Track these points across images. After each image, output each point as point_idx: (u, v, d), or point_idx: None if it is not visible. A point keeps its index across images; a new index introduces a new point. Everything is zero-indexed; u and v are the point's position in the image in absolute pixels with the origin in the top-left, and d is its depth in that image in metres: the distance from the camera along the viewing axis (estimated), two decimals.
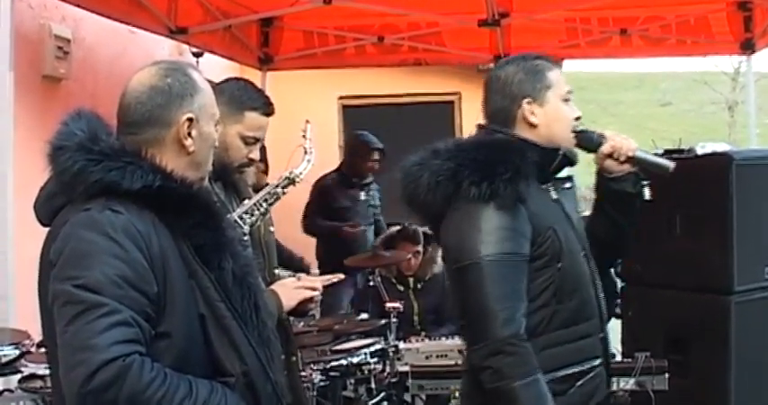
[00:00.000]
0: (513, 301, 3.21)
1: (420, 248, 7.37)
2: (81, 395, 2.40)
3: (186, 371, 2.58)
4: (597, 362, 3.44)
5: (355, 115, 11.59)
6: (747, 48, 8.11)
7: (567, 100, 3.48)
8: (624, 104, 37.56)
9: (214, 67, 7.94)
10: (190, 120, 2.75)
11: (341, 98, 11.51)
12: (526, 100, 3.41)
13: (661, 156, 3.79)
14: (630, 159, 3.51)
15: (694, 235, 5.39)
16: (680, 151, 5.71)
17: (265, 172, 7.04)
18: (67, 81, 6.38)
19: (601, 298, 3.51)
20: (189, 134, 2.75)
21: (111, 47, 7.16)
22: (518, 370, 3.15)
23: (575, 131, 3.48)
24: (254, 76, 8.46)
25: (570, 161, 3.52)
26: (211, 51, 7.99)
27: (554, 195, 3.47)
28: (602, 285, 3.54)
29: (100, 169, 2.57)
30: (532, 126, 3.42)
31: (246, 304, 2.74)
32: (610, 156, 3.51)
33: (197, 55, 8.18)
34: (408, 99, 11.39)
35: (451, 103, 11.47)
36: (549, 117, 3.44)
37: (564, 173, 3.55)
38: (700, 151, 5.73)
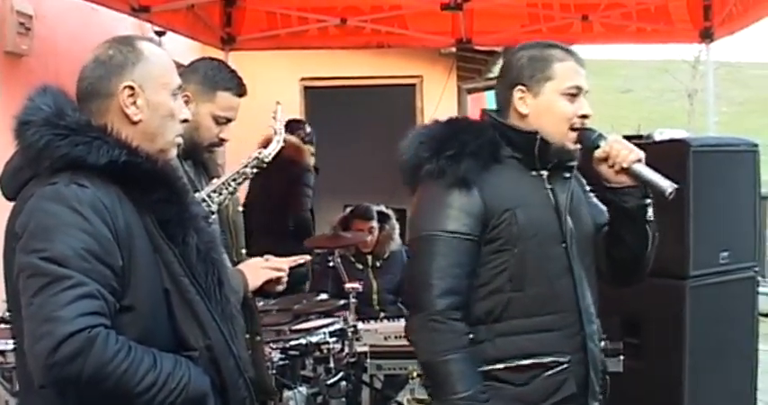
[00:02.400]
0: (451, 276, 3.22)
1: (374, 224, 7.40)
2: (46, 367, 2.41)
3: (150, 345, 2.59)
4: (565, 358, 3.30)
5: (317, 97, 11.62)
6: (706, 36, 8.18)
7: (572, 95, 3.33)
8: None
9: (176, 47, 7.89)
10: (130, 87, 2.73)
11: (303, 79, 11.52)
12: (519, 87, 3.36)
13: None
14: (625, 171, 3.32)
15: None
16: (638, 137, 5.76)
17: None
18: (29, 58, 6.34)
19: (580, 294, 3.36)
20: (133, 103, 2.74)
21: (73, 24, 7.11)
22: (439, 346, 3.20)
23: (573, 128, 3.34)
24: (216, 56, 8.42)
25: (565, 154, 3.35)
26: (174, 30, 7.93)
27: (547, 184, 3.36)
28: (588, 283, 3.43)
29: (66, 144, 2.58)
30: (522, 115, 3.37)
31: (210, 280, 2.77)
32: (605, 160, 3.33)
33: (159, 33, 8.13)
34: (370, 81, 11.43)
35: (413, 86, 11.52)
36: (540, 108, 3.35)
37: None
38: (658, 137, 5.78)
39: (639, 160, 3.33)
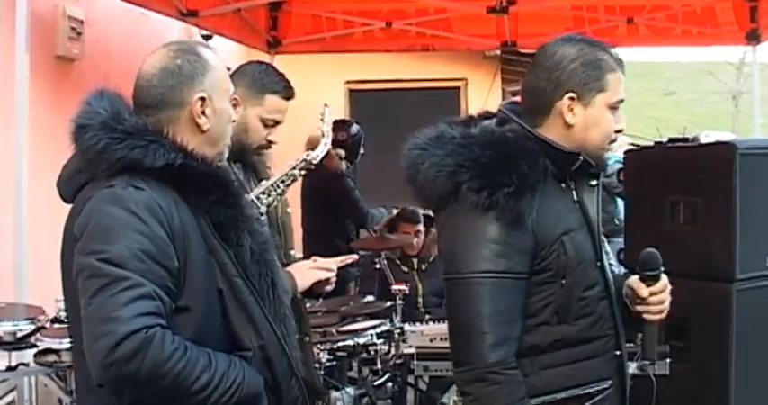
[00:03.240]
0: (504, 322, 2.95)
1: (421, 227, 7.43)
2: (104, 365, 2.46)
3: (205, 344, 2.65)
4: (607, 384, 3.17)
5: (362, 100, 11.64)
6: (753, 38, 8.16)
7: (615, 109, 3.12)
8: (628, 92, 37.01)
9: (222, 51, 7.96)
10: (202, 99, 2.81)
11: (348, 82, 11.56)
12: (570, 95, 3.05)
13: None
14: (640, 318, 3.24)
15: (697, 223, 5.41)
16: (684, 140, 5.74)
17: None
18: (80, 61, 6.43)
19: (617, 314, 3.19)
20: (203, 112, 2.82)
21: (123, 28, 7.22)
22: (499, 401, 2.94)
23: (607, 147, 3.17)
24: (262, 59, 8.51)
25: (596, 167, 3.16)
26: (220, 34, 8.04)
27: (575, 196, 3.15)
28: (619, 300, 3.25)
29: (123, 147, 2.64)
30: (567, 125, 3.09)
31: (263, 281, 2.82)
32: (643, 299, 3.20)
33: (206, 38, 8.23)
34: (415, 84, 11.44)
35: (457, 89, 11.52)
36: (589, 121, 3.09)
37: None
38: (704, 140, 5.76)
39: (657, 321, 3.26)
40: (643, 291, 3.18)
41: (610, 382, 3.17)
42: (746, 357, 5.25)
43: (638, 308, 3.21)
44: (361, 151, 8.69)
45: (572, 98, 3.05)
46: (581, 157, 3.07)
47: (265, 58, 8.69)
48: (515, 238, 2.95)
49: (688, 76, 37.07)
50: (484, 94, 10.94)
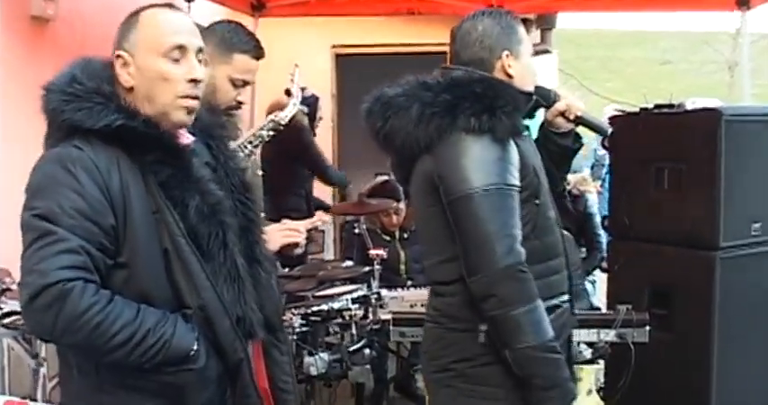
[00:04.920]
0: (513, 229, 3.34)
1: (402, 205, 7.36)
2: (25, 314, 2.64)
3: (150, 302, 2.74)
4: (565, 297, 3.67)
5: (348, 64, 11.56)
6: (743, 4, 8.06)
7: (531, 55, 3.72)
8: (623, 62, 37.47)
9: (206, 12, 7.86)
10: (119, 56, 2.88)
11: (334, 47, 11.47)
12: (505, 52, 3.61)
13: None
14: (578, 118, 3.88)
15: (682, 190, 5.37)
16: (670, 106, 5.69)
17: None
18: (55, 22, 6.31)
19: (564, 237, 3.76)
20: (127, 71, 2.88)
21: None
22: (523, 295, 3.31)
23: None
24: (246, 22, 8.35)
25: (537, 109, 3.86)
26: None
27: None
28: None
29: (70, 109, 2.76)
30: (509, 77, 3.62)
31: (213, 241, 2.87)
32: (562, 113, 3.87)
33: (188, 0, 8.11)
34: (402, 49, 11.32)
35: (445, 53, 11.39)
36: (523, 69, 3.66)
37: None
38: (689, 107, 5.71)
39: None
40: (559, 104, 3.86)
41: (567, 296, 3.69)
42: (729, 326, 5.23)
43: (571, 117, 3.88)
44: (319, 116, 8.66)
45: (507, 55, 3.61)
46: (534, 97, 3.72)
47: (250, 21, 8.60)
48: (510, 155, 3.39)
49: (684, 46, 37.00)
50: None
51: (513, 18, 3.71)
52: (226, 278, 2.87)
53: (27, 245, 2.64)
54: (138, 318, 2.67)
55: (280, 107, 4.12)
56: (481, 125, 3.34)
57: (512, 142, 3.42)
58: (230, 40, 3.88)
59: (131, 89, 2.87)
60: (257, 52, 3.96)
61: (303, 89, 8.10)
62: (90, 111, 2.74)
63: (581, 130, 4.03)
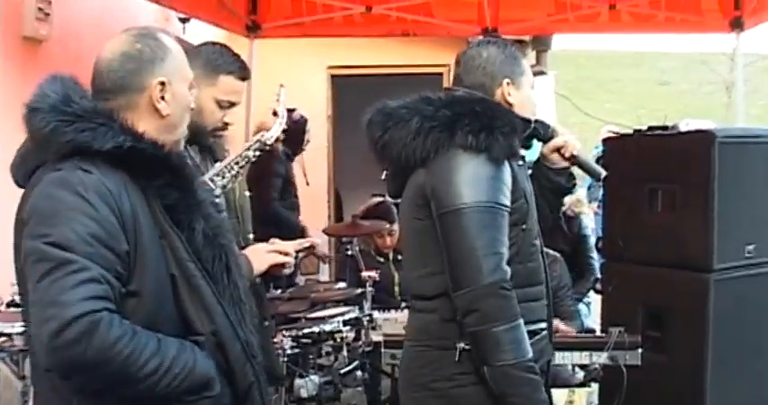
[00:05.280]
0: (500, 247, 3.37)
1: (395, 227, 7.33)
2: (50, 350, 2.45)
3: (156, 329, 2.64)
4: (543, 325, 3.67)
5: (344, 85, 11.57)
6: (736, 26, 8.08)
7: (532, 87, 3.80)
8: (622, 82, 37.56)
9: (201, 34, 7.88)
10: (162, 83, 2.80)
11: (330, 68, 11.47)
12: (507, 80, 3.67)
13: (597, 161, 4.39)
14: (573, 157, 3.91)
15: (676, 212, 5.38)
16: (664, 127, 5.70)
17: None
18: (48, 43, 6.32)
19: (547, 266, 3.78)
20: (162, 98, 2.80)
21: (95, 10, 7.10)
22: (506, 313, 3.32)
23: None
24: (242, 43, 8.41)
25: (534, 139, 3.88)
26: (197, 17, 7.91)
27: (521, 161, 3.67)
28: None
29: (72, 130, 2.63)
30: (509, 104, 3.66)
31: (217, 265, 2.81)
32: (558, 149, 3.90)
33: (184, 20, 8.13)
34: (398, 70, 11.35)
35: (440, 75, 11.43)
36: (523, 99, 3.72)
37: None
38: (683, 128, 5.72)
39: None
40: (557, 140, 3.90)
41: (545, 324, 3.70)
42: (722, 348, 5.23)
43: (566, 154, 3.90)
44: (307, 139, 8.67)
45: (508, 83, 3.68)
46: (532, 125, 3.76)
47: (245, 42, 8.60)
48: (504, 175, 3.44)
49: (682, 67, 37.08)
50: None
51: (517, 50, 3.80)
52: (230, 302, 2.84)
53: (41, 275, 2.50)
54: (161, 348, 2.60)
55: (266, 128, 4.12)
56: (478, 143, 3.38)
57: (506, 163, 3.46)
58: (215, 61, 3.87)
59: (165, 117, 2.82)
60: (243, 73, 3.95)
61: (292, 110, 8.13)
62: (94, 131, 2.64)
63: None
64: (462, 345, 3.40)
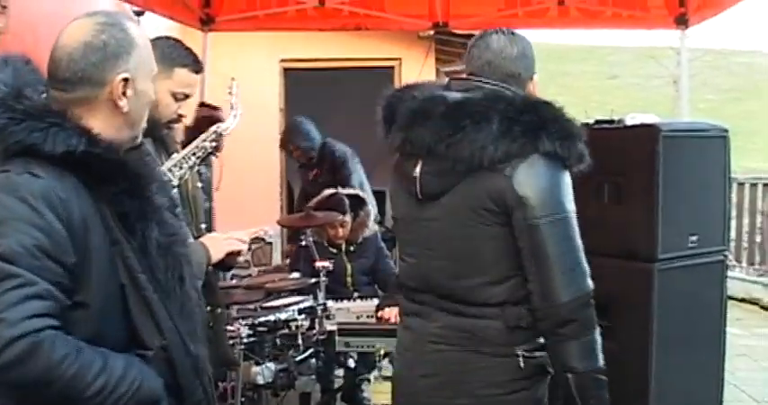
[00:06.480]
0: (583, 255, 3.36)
1: (347, 218, 7.42)
2: None
3: (103, 342, 2.54)
4: None
5: (297, 78, 11.64)
6: (681, 23, 8.22)
7: None
8: (571, 76, 37.80)
9: (155, 27, 7.90)
10: (125, 80, 2.67)
11: (283, 61, 11.52)
12: (534, 76, 3.64)
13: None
14: None
15: (621, 204, 5.47)
16: (610, 121, 5.79)
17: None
18: (5, 36, 6.32)
19: None
20: (123, 94, 2.67)
21: (52, 3, 7.10)
22: (595, 320, 3.37)
23: None
24: (195, 36, 8.45)
25: None
26: (152, 10, 7.93)
27: None
28: None
29: (21, 130, 2.49)
30: None
31: (170, 275, 2.71)
32: None
33: (138, 13, 8.14)
34: (350, 64, 11.45)
35: (392, 68, 11.53)
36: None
37: None
38: (629, 122, 5.81)
39: None
40: None
41: None
42: (668, 337, 5.32)
43: None
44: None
45: (531, 78, 3.62)
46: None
47: (199, 35, 8.63)
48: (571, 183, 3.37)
49: (631, 61, 37.35)
50: (417, 74, 10.95)
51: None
52: (181, 314, 2.73)
53: None
54: (107, 366, 2.48)
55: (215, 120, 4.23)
56: (561, 150, 3.29)
57: None
58: (170, 54, 3.95)
59: (124, 113, 2.69)
60: (197, 66, 4.05)
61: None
62: (45, 132, 2.49)
63: None
64: (523, 352, 3.38)
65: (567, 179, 3.34)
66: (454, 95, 3.42)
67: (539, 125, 3.28)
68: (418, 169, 3.46)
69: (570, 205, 3.33)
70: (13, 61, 2.70)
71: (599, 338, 3.37)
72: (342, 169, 8.74)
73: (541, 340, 3.40)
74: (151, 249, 2.65)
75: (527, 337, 3.40)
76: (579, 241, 3.34)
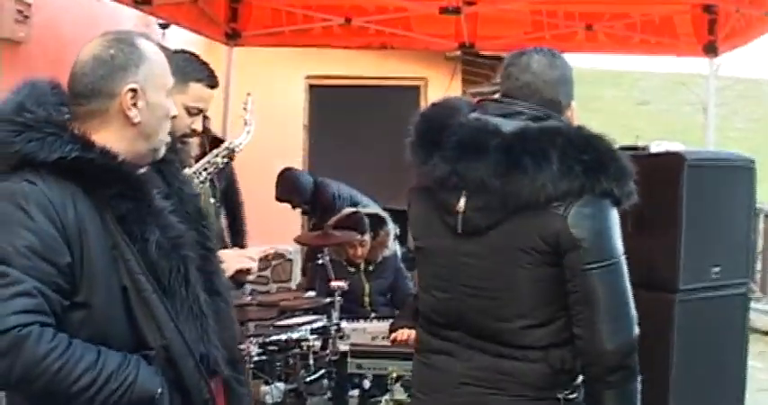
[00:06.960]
0: None
1: (367, 237, 7.36)
2: None
3: (109, 343, 2.62)
4: None
5: (322, 95, 11.60)
6: (710, 50, 8.14)
7: None
8: (602, 100, 37.67)
9: (180, 41, 7.89)
10: (133, 90, 2.76)
11: (308, 77, 11.49)
12: (573, 103, 3.47)
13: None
14: None
15: (644, 232, 5.40)
16: (634, 148, 5.73)
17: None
18: (27, 45, 6.33)
19: None
20: (134, 105, 2.77)
21: (76, 14, 7.12)
22: (638, 368, 3.27)
23: None
24: (221, 50, 8.44)
25: None
26: (177, 24, 7.92)
27: None
28: None
29: (20, 140, 2.61)
30: None
31: (174, 277, 2.75)
32: None
33: (164, 26, 8.14)
34: (376, 82, 11.42)
35: (418, 87, 11.49)
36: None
37: None
38: (654, 149, 5.75)
39: None
40: None
41: None
42: (688, 369, 5.27)
43: None
44: None
45: (569, 105, 3.45)
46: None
47: (224, 50, 8.63)
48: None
49: (662, 86, 37.24)
50: (443, 94, 10.91)
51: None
52: (188, 315, 2.77)
53: None
54: (99, 361, 2.56)
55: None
56: (616, 191, 3.17)
57: None
58: (185, 69, 3.92)
59: (136, 124, 2.79)
60: (211, 81, 4.04)
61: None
62: (42, 142, 2.61)
63: None
64: (564, 395, 3.28)
65: (617, 218, 3.22)
66: (507, 126, 3.23)
67: (598, 166, 3.14)
68: (462, 203, 3.27)
69: (621, 248, 3.21)
70: (33, 82, 2.79)
71: (639, 387, 3.28)
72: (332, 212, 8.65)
73: (577, 382, 3.31)
74: (152, 251, 2.71)
75: (568, 380, 3.30)
76: (629, 286, 3.22)
